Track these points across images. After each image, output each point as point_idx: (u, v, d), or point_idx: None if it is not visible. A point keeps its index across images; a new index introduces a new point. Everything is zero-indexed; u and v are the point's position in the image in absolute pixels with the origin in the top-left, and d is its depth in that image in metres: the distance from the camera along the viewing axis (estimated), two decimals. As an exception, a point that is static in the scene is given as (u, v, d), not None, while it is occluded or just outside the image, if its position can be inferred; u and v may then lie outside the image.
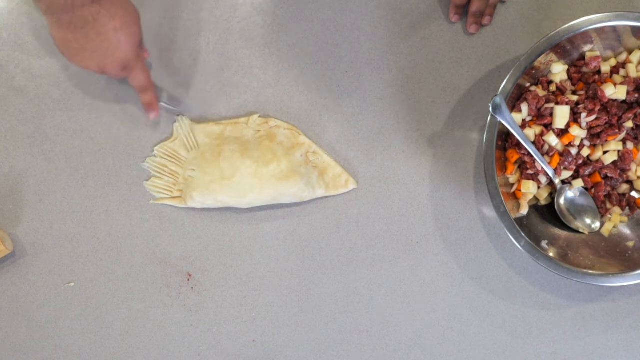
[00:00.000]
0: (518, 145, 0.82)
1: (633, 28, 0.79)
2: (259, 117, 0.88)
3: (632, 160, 0.83)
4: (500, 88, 0.81)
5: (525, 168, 0.84)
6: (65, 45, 0.72)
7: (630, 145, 0.84)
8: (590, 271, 0.81)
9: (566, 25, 0.79)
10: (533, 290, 0.89)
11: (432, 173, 0.89)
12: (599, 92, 0.80)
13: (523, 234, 0.81)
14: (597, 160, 0.84)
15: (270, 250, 0.89)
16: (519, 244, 0.81)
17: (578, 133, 0.81)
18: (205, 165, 0.87)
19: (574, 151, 0.82)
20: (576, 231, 0.86)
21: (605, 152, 0.83)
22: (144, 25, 0.88)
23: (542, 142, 0.82)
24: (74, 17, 0.69)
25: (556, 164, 0.83)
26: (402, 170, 0.89)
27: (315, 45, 0.88)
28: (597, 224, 0.86)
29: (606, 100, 0.81)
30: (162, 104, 0.87)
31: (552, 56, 0.82)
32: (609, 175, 0.84)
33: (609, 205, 0.86)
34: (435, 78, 0.88)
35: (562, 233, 0.86)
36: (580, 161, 0.83)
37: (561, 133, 0.82)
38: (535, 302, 0.89)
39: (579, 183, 0.85)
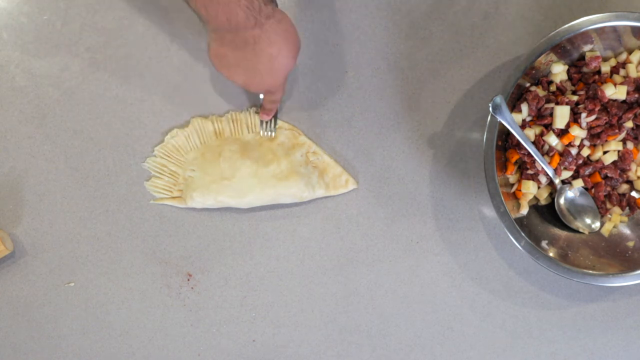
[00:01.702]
0: (518, 145, 0.82)
1: (633, 28, 0.79)
2: (258, 112, 0.88)
3: (632, 160, 0.83)
4: (500, 88, 0.81)
5: (525, 168, 0.84)
6: (220, 58, 0.74)
7: (630, 145, 0.84)
8: (590, 271, 0.81)
9: (566, 25, 0.79)
10: (533, 290, 0.89)
11: (432, 173, 0.89)
12: (599, 92, 0.80)
13: (523, 234, 0.81)
14: (597, 160, 0.84)
15: (270, 250, 0.89)
16: (519, 244, 0.81)
17: (578, 133, 0.81)
18: (206, 165, 0.87)
19: (574, 151, 0.82)
20: (576, 231, 0.86)
21: (605, 152, 0.83)
22: (145, 25, 0.88)
23: (542, 142, 0.82)
24: (237, 37, 0.71)
25: (556, 164, 0.83)
26: (402, 170, 0.89)
27: (315, 45, 0.88)
28: (597, 224, 0.86)
29: (606, 100, 0.81)
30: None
31: (552, 56, 0.82)
32: (609, 175, 0.84)
33: (609, 205, 0.86)
34: (435, 78, 0.88)
35: (562, 233, 0.86)
36: (580, 161, 0.83)
37: (561, 133, 0.82)
38: (535, 302, 0.89)
39: (579, 183, 0.85)
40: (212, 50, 0.74)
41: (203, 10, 0.69)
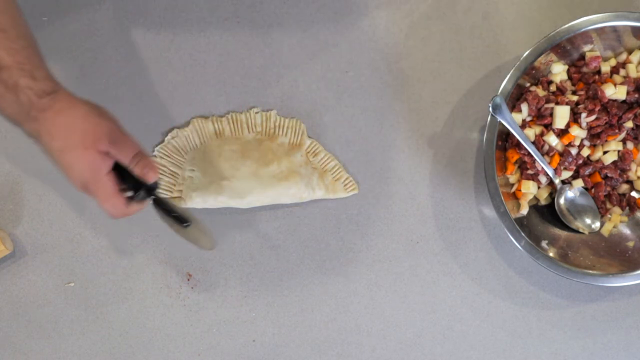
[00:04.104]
0: (518, 145, 0.82)
1: (633, 28, 0.79)
2: (259, 112, 0.88)
3: (632, 160, 0.84)
4: (500, 88, 0.81)
5: (525, 168, 0.84)
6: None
7: (630, 145, 0.84)
8: (590, 271, 0.81)
9: (566, 25, 0.79)
10: (533, 290, 0.89)
11: (432, 173, 0.89)
12: (599, 92, 0.80)
13: (523, 234, 0.81)
14: (597, 160, 0.84)
15: (270, 250, 0.89)
16: (519, 244, 0.81)
17: (578, 133, 0.81)
18: (206, 165, 0.87)
19: (574, 151, 0.82)
20: (576, 231, 0.86)
21: (605, 152, 0.83)
22: (145, 25, 0.88)
23: (542, 142, 0.82)
24: (25, 130, 0.67)
25: (556, 164, 0.83)
26: (402, 170, 0.89)
27: (315, 45, 0.88)
28: (597, 224, 0.86)
29: (606, 100, 0.81)
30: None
31: (552, 56, 0.82)
32: (609, 175, 0.84)
33: (609, 205, 0.86)
34: (435, 78, 0.88)
35: (562, 233, 0.86)
36: (580, 161, 0.83)
37: (561, 133, 0.82)
38: (535, 302, 0.89)
39: (579, 183, 0.85)
40: None
41: None
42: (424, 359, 0.89)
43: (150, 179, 0.70)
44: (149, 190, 0.71)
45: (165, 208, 0.74)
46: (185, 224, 0.75)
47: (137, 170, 0.70)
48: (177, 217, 0.75)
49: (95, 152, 0.67)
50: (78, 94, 0.88)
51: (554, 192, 0.86)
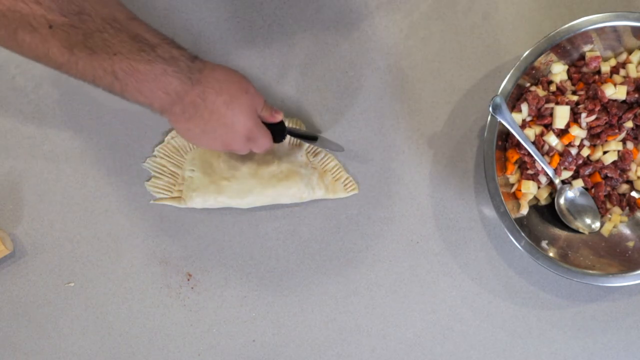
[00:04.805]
0: (518, 145, 0.82)
1: (633, 28, 0.79)
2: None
3: (632, 160, 0.84)
4: (500, 88, 0.81)
5: (525, 168, 0.84)
6: (188, 133, 0.72)
7: (630, 145, 0.84)
8: (590, 271, 0.81)
9: (566, 25, 0.79)
10: (533, 290, 0.89)
11: (432, 173, 0.89)
12: (599, 92, 0.80)
13: (523, 234, 0.81)
14: (597, 160, 0.84)
15: (270, 250, 0.89)
16: (519, 244, 0.81)
17: (578, 133, 0.81)
18: (205, 165, 0.87)
19: (574, 151, 0.82)
20: (576, 231, 0.86)
21: (605, 152, 0.83)
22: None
23: (542, 142, 0.82)
24: (184, 105, 0.68)
25: (556, 164, 0.83)
26: (402, 170, 0.89)
27: (315, 45, 0.88)
28: (597, 224, 0.86)
29: (606, 100, 0.81)
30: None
31: (552, 56, 0.82)
32: (609, 175, 0.84)
33: (609, 205, 0.86)
34: (435, 78, 0.88)
35: (562, 233, 0.86)
36: (580, 161, 0.83)
37: (561, 133, 0.82)
38: (535, 302, 0.89)
39: (579, 183, 0.85)
40: (179, 131, 0.72)
41: (141, 97, 0.66)
42: (424, 359, 0.89)
43: (278, 119, 0.79)
44: (281, 129, 0.81)
45: (295, 134, 0.84)
46: (314, 140, 0.86)
47: (265, 113, 0.77)
48: (306, 137, 0.85)
49: (252, 95, 0.74)
50: (79, 93, 0.89)
51: (554, 192, 0.86)
